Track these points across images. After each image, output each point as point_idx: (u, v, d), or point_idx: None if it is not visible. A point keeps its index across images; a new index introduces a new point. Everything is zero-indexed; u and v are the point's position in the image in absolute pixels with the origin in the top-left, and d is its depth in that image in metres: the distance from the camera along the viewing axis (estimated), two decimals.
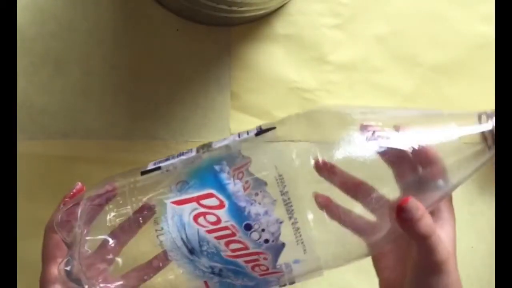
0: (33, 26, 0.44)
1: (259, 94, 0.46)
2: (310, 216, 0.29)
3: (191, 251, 0.29)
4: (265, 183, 0.29)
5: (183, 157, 0.32)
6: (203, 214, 0.29)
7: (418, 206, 0.29)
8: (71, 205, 0.30)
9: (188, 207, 0.29)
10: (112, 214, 0.30)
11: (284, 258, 0.29)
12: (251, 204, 0.29)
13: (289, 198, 0.29)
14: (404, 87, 0.47)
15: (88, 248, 0.30)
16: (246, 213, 0.29)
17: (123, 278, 0.30)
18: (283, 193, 0.29)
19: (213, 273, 0.29)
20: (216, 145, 0.32)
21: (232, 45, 0.46)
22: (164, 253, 0.29)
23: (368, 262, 0.40)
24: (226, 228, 0.29)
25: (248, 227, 0.29)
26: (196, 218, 0.29)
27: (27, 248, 0.43)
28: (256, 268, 0.29)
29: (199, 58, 0.46)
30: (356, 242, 0.31)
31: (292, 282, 0.32)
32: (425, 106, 0.47)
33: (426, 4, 0.48)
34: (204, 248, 0.29)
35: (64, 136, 0.44)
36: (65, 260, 0.29)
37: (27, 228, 0.43)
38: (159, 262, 0.30)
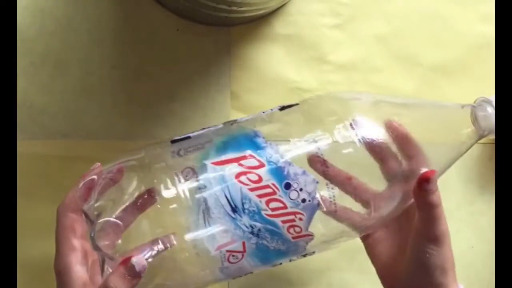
0: (33, 26, 0.44)
1: (259, 94, 0.46)
2: None
3: (234, 209, 0.30)
4: None
5: (211, 128, 0.34)
6: (245, 173, 0.30)
7: (436, 180, 0.32)
8: (88, 178, 0.31)
9: (229, 167, 0.31)
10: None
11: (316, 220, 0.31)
12: (289, 164, 0.31)
13: (324, 160, 0.31)
14: (404, 87, 0.47)
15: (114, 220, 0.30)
16: (285, 172, 0.30)
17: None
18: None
19: (252, 233, 0.31)
20: (243, 120, 0.34)
21: (232, 45, 0.46)
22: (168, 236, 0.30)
23: (367, 262, 0.40)
24: (267, 186, 0.30)
25: (287, 186, 0.30)
26: (238, 176, 0.30)
27: (27, 248, 0.43)
28: (291, 230, 0.31)
29: (199, 58, 0.46)
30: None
31: (313, 252, 0.34)
32: None
33: (426, 4, 0.48)
34: (246, 206, 0.30)
35: (64, 136, 0.44)
36: (95, 227, 0.30)
37: (27, 228, 0.43)
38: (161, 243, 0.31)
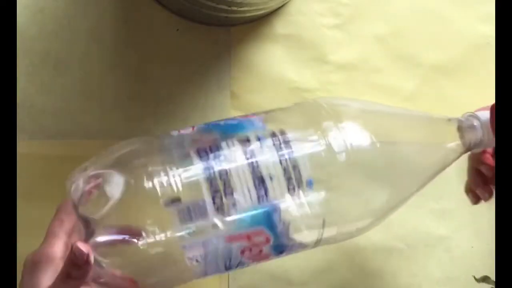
0: (33, 26, 0.44)
1: (259, 94, 0.46)
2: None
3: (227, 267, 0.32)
4: None
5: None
6: (249, 249, 0.32)
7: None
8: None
9: (238, 244, 0.31)
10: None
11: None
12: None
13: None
14: (404, 87, 0.47)
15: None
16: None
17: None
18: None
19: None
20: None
21: (232, 45, 0.46)
22: None
23: (368, 262, 0.40)
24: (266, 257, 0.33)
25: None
26: (242, 252, 0.32)
27: (27, 248, 0.43)
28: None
29: (199, 58, 0.46)
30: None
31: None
32: (425, 106, 0.47)
33: (426, 4, 0.48)
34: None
35: (64, 136, 0.44)
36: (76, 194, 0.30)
37: (27, 228, 0.43)
38: None
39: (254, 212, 0.31)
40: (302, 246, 0.33)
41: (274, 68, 0.46)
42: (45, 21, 0.45)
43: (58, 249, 0.31)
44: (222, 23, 0.45)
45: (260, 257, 0.32)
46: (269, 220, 0.31)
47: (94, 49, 0.45)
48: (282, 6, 0.46)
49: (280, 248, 0.32)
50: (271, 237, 0.32)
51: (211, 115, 0.46)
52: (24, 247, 0.43)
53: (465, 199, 0.48)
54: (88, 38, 0.45)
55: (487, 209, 0.48)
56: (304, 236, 0.33)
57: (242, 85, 0.46)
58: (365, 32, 0.47)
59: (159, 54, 0.45)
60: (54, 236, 0.32)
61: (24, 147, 0.43)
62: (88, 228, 0.30)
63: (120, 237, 0.29)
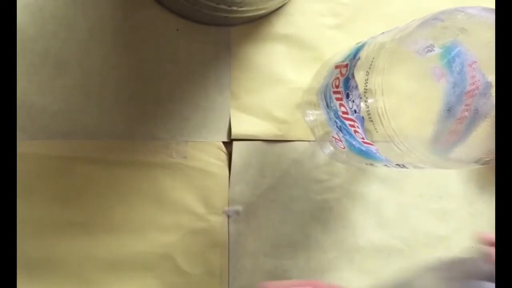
0: (33, 26, 0.44)
1: (259, 94, 0.46)
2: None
3: (327, 104, 0.36)
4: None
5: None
6: (337, 78, 0.35)
7: None
8: None
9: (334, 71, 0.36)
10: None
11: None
12: (353, 77, 0.33)
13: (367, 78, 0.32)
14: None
15: None
16: (348, 83, 0.33)
17: None
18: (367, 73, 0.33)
19: (337, 127, 0.36)
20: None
21: (232, 45, 0.46)
22: None
23: (367, 262, 0.40)
24: (339, 92, 0.34)
25: (348, 95, 0.34)
26: (333, 82, 0.35)
27: (27, 248, 0.43)
28: (357, 134, 0.34)
29: (199, 58, 0.46)
30: None
31: (403, 166, 0.34)
32: None
33: (426, 4, 0.48)
34: (331, 104, 0.36)
35: (64, 136, 0.44)
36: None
37: (27, 228, 0.43)
38: None
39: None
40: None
41: (274, 68, 0.46)
42: (45, 21, 0.45)
43: None
44: (222, 23, 0.45)
45: (338, 95, 0.34)
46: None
47: (94, 49, 0.45)
48: (282, 6, 0.46)
49: (346, 84, 0.33)
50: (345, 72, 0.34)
51: (211, 115, 0.46)
52: (24, 247, 0.43)
53: (465, 199, 0.48)
54: (88, 38, 0.45)
55: (487, 209, 0.48)
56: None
57: (242, 85, 0.46)
58: (365, 32, 0.47)
59: (159, 54, 0.45)
60: None
61: (24, 147, 0.43)
62: None
63: None
